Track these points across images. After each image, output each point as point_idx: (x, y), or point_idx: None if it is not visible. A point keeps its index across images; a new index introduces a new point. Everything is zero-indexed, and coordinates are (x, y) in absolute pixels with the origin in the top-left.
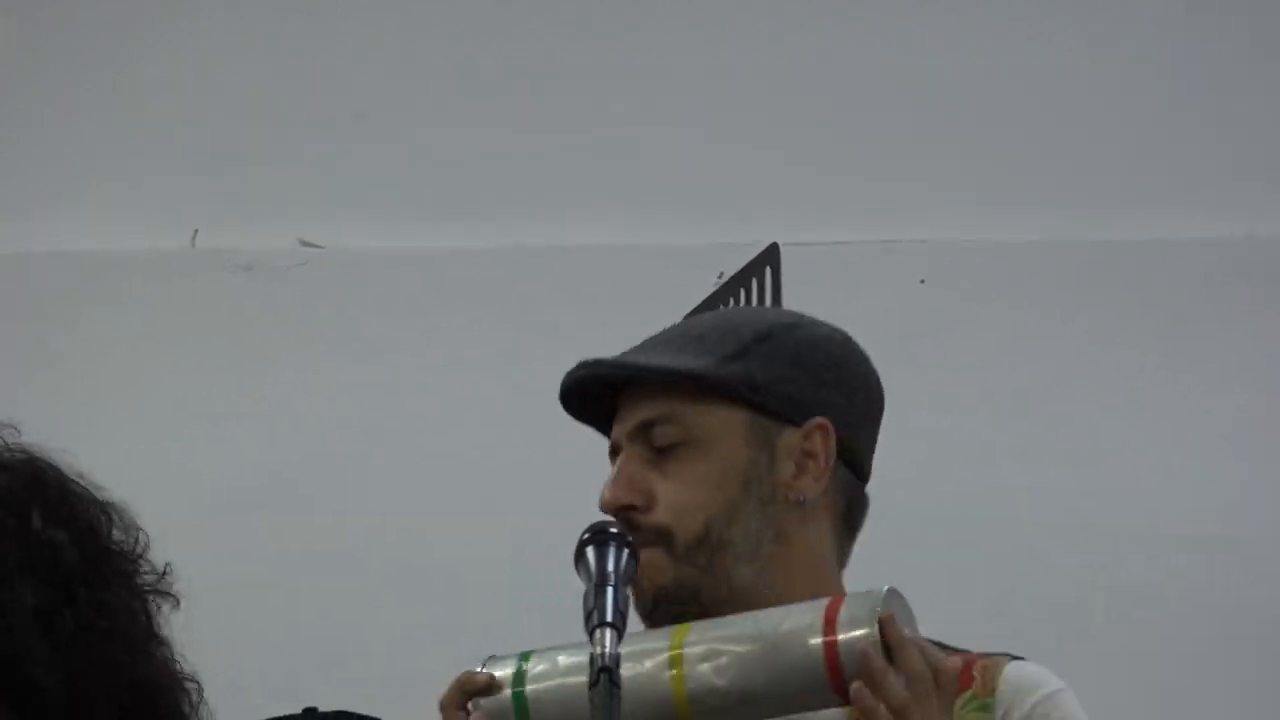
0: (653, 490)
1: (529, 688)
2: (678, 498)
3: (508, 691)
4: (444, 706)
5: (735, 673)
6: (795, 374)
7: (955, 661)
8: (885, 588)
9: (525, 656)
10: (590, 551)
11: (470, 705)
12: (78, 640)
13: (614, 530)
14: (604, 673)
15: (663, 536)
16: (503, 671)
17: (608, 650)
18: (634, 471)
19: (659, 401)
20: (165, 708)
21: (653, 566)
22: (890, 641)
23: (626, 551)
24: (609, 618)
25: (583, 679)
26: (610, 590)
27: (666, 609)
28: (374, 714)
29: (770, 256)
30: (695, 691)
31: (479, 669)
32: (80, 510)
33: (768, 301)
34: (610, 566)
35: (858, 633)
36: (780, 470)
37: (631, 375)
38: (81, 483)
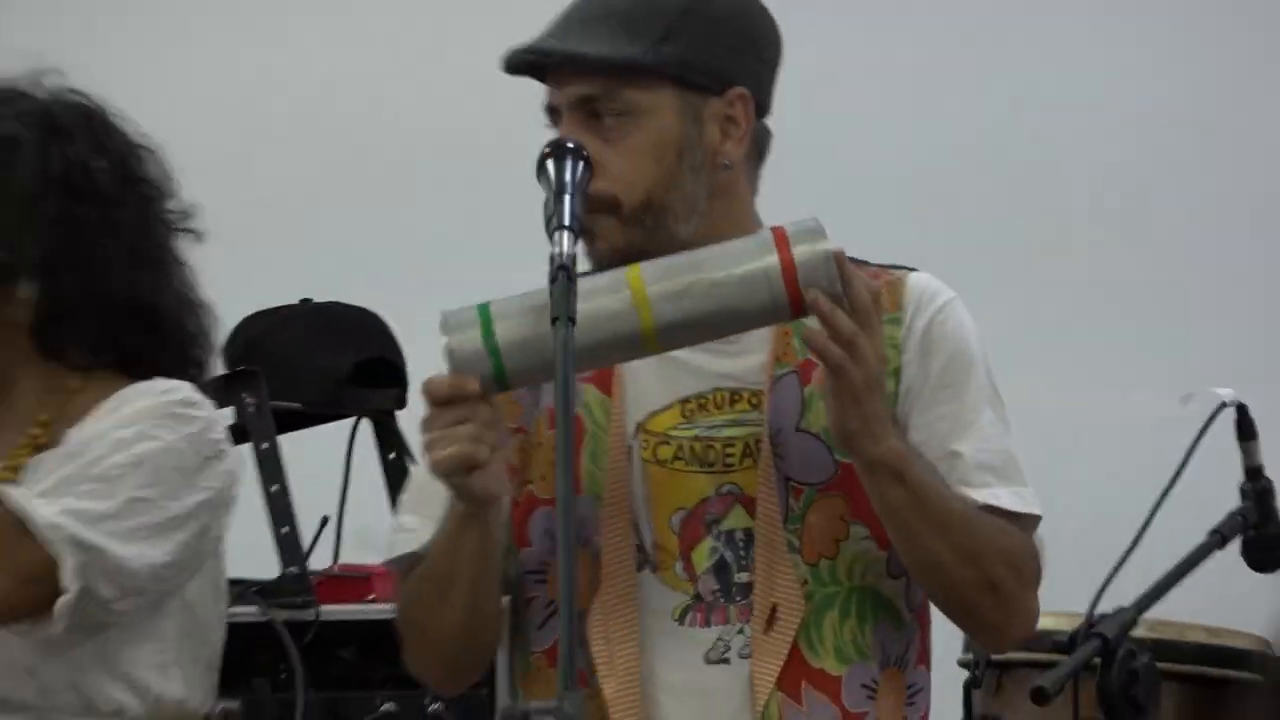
0: (599, 159)
1: (493, 306)
2: (622, 168)
3: (473, 311)
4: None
5: (698, 301)
6: (715, 47)
7: (878, 283)
8: (815, 219)
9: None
10: (550, 164)
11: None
12: (83, 251)
13: (571, 144)
14: (562, 270)
15: (610, 204)
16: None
17: (565, 250)
18: (582, 139)
19: (598, 81)
20: (168, 325)
21: (604, 230)
22: (842, 273)
23: (583, 163)
24: (566, 221)
25: (544, 290)
26: (567, 198)
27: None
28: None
29: None
30: (661, 326)
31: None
32: (121, 145)
33: None
34: (568, 176)
35: (814, 247)
36: (708, 138)
37: (580, 63)
38: (129, 125)
